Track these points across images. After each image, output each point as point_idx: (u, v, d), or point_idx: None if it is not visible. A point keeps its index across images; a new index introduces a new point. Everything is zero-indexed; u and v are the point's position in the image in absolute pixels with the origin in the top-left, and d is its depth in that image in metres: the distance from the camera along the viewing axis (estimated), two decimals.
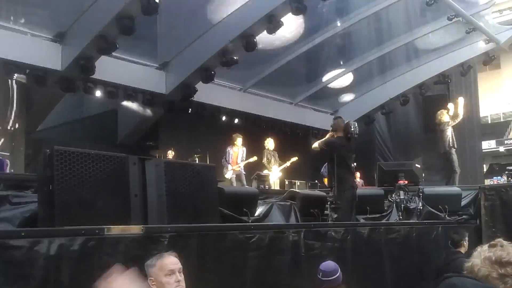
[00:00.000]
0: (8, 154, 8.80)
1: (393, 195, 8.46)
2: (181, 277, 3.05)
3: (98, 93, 11.42)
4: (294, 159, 12.56)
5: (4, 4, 10.12)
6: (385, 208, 8.56)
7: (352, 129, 7.56)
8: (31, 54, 10.21)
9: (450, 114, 11.17)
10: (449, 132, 10.99)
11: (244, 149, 11.98)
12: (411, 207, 8.22)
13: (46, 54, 10.40)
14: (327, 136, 7.96)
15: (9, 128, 10.40)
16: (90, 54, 10.27)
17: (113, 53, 10.74)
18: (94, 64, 10.36)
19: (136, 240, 3.72)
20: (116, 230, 3.66)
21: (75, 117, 14.11)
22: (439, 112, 11.31)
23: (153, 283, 3.03)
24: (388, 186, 8.82)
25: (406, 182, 8.40)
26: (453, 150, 10.91)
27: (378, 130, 18.16)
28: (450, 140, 10.92)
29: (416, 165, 9.95)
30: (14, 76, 10.17)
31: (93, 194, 4.03)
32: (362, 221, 7.56)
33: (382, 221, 7.96)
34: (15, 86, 10.68)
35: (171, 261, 3.08)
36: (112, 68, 11.33)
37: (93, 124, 13.92)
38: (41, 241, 3.22)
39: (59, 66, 10.43)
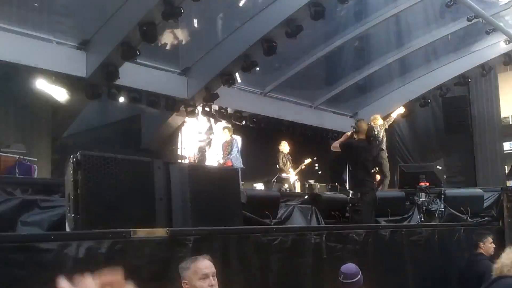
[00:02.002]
0: (36, 159, 9.00)
1: (414, 197, 8.41)
2: (214, 281, 3.06)
3: (121, 99, 11.61)
4: (308, 161, 12.57)
5: (30, 13, 10.40)
6: (406, 211, 8.53)
7: (376, 132, 7.55)
8: (56, 62, 10.45)
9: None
10: (381, 135, 10.91)
11: (236, 138, 11.39)
12: (433, 209, 8.17)
13: (71, 62, 10.63)
14: (344, 137, 7.92)
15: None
16: (114, 61, 10.47)
17: (136, 59, 10.94)
18: (118, 70, 10.56)
19: (161, 243, 3.77)
20: (142, 233, 3.71)
21: (99, 123, 14.36)
22: (372, 117, 11.17)
23: (186, 285, 3.06)
24: (409, 188, 8.78)
25: (428, 184, 8.35)
26: (384, 154, 10.81)
27: (398, 133, 18.05)
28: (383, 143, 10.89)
29: (438, 166, 9.89)
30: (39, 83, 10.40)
31: (119, 197, 4.10)
32: (383, 223, 7.55)
33: (403, 224, 7.93)
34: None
35: (205, 265, 3.09)
36: (135, 74, 11.52)
37: (117, 129, 14.13)
38: (70, 244, 3.27)
39: (84, 73, 10.65)
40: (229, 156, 10.90)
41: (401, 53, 15.11)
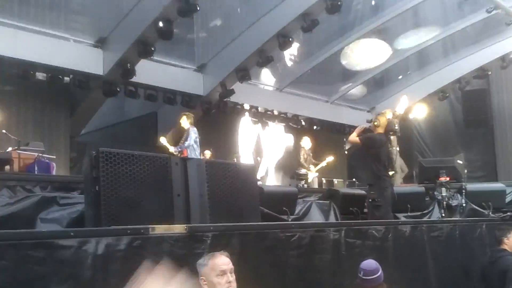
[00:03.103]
0: (54, 157, 9.12)
1: (434, 193, 8.30)
2: (232, 277, 3.05)
3: (138, 96, 11.68)
4: (330, 158, 12.49)
5: (48, 12, 10.51)
6: (427, 206, 8.42)
7: (396, 127, 7.45)
8: (74, 60, 10.58)
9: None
10: None
11: (192, 129, 9.83)
12: (454, 205, 8.06)
13: (88, 59, 10.76)
14: (357, 130, 7.77)
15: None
16: (131, 58, 10.56)
17: (152, 56, 10.99)
18: (134, 68, 10.63)
19: (179, 239, 3.76)
20: (160, 229, 3.69)
21: (116, 120, 14.49)
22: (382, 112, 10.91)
23: (204, 282, 3.05)
24: (429, 183, 8.66)
25: (448, 178, 8.23)
26: (394, 150, 10.62)
27: (416, 127, 17.88)
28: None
29: (458, 161, 9.74)
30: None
31: (137, 194, 4.11)
32: (403, 219, 7.46)
33: (423, 219, 7.84)
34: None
35: (223, 261, 3.08)
36: (151, 71, 11.60)
37: (134, 126, 14.25)
38: (89, 240, 3.28)
39: (101, 71, 10.77)
40: (183, 145, 9.71)
41: (418, 46, 14.93)
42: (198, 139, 9.78)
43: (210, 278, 3.03)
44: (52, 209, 5.23)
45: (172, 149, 9.78)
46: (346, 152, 16.87)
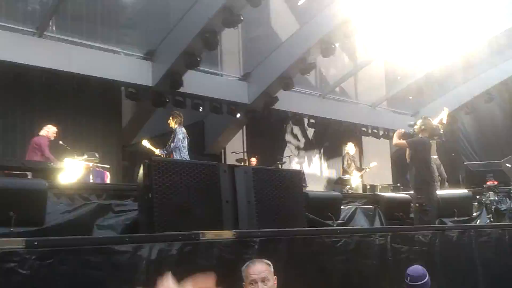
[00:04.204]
0: (108, 166, 9.48)
1: (482, 197, 8.13)
2: (266, 286, 3.08)
3: (185, 106, 11.97)
4: (374, 164, 12.39)
5: (100, 27, 11.00)
6: (474, 211, 8.26)
7: (441, 132, 7.36)
8: (124, 72, 10.98)
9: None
10: None
11: (179, 130, 9.14)
12: (502, 209, 7.87)
13: (138, 72, 11.13)
14: (398, 134, 7.71)
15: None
16: (178, 69, 10.86)
17: (199, 67, 11.28)
18: (182, 78, 10.93)
19: (228, 245, 3.85)
20: (210, 235, 3.79)
21: (165, 130, 14.83)
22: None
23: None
24: (476, 188, 8.49)
25: (496, 182, 8.05)
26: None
27: (462, 130, 17.44)
28: None
29: (507, 164, 9.48)
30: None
31: (188, 201, 4.26)
32: (449, 224, 7.35)
33: (471, 224, 7.69)
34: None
35: (255, 270, 3.12)
36: (198, 81, 11.86)
37: None
38: (143, 246, 3.39)
39: (150, 82, 11.13)
40: (169, 147, 9.05)
41: (463, 47, 14.63)
42: (186, 140, 9.13)
43: (246, 285, 3.12)
44: (108, 216, 5.48)
45: (158, 151, 9.32)
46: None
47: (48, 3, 10.06)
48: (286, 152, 13.21)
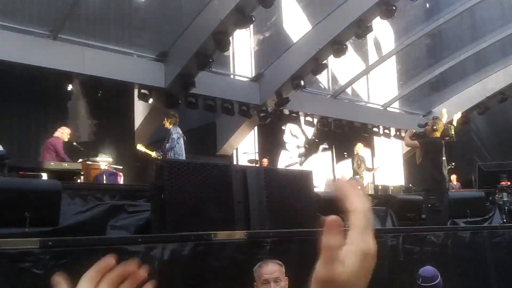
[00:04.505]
0: (121, 167, 9.58)
1: (495, 197, 8.07)
2: (278, 286, 3.09)
3: (197, 107, 12.03)
4: (382, 164, 12.38)
5: (113, 29, 11.10)
6: (487, 211, 8.20)
7: (453, 133, 7.33)
8: (137, 74, 11.07)
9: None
10: None
11: (173, 130, 8.99)
12: None
13: (150, 73, 11.21)
14: (409, 133, 7.68)
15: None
16: (190, 71, 10.92)
17: (211, 68, 11.33)
18: (194, 79, 10.99)
19: (240, 245, 3.90)
20: (222, 235, 3.84)
21: None
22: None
23: None
24: (489, 188, 8.43)
25: (509, 183, 7.98)
26: None
27: (474, 130, 17.31)
28: None
29: None
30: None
31: (200, 201, 4.31)
32: (462, 225, 7.32)
33: (484, 225, 7.65)
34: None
35: (267, 270, 3.12)
36: (210, 82, 11.92)
37: (194, 136, 14.60)
38: (156, 246, 3.45)
39: (162, 83, 11.20)
40: (165, 148, 8.99)
41: (475, 48, 14.53)
42: (181, 139, 9.00)
43: (258, 285, 3.12)
44: (121, 217, 5.53)
45: (154, 154, 9.30)
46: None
47: (62, 6, 10.17)
48: (297, 153, 13.21)
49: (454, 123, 9.32)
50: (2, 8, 10.04)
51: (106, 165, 8.81)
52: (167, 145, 8.95)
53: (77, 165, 8.22)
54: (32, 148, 9.84)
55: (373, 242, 0.74)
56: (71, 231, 4.95)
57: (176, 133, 8.97)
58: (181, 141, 9.01)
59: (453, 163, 12.21)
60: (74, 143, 9.02)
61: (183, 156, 8.97)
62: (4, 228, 4.42)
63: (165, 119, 9.19)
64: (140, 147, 9.51)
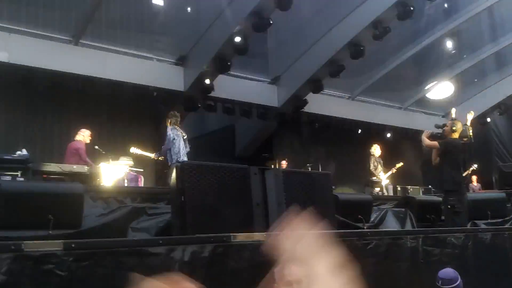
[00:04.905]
0: (142, 170, 9.69)
1: None
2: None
3: (216, 110, 12.12)
4: (399, 165, 12.26)
5: (133, 34, 11.25)
6: (508, 212, 8.10)
7: (471, 134, 7.27)
8: (157, 78, 11.20)
9: None
10: None
11: (170, 131, 8.88)
12: None
13: (170, 77, 11.35)
14: (426, 134, 7.62)
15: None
16: (209, 74, 11.01)
17: (229, 71, 11.41)
18: (213, 83, 11.08)
19: (259, 247, 3.94)
20: (241, 237, 3.85)
21: (196, 134, 15.06)
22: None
23: None
24: (510, 189, 8.34)
25: None
26: None
27: (494, 131, 17.06)
28: None
29: None
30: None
31: (220, 203, 4.35)
32: (482, 226, 7.25)
33: (505, 226, 7.55)
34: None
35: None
36: (228, 86, 11.99)
37: (213, 139, 14.74)
38: (176, 248, 3.46)
39: (182, 87, 11.31)
40: (162, 149, 8.99)
41: (495, 47, 14.34)
42: (180, 139, 8.78)
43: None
44: (142, 219, 5.62)
45: (153, 155, 9.24)
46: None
47: (84, 12, 10.36)
48: (316, 155, 13.18)
49: (468, 123, 9.23)
50: (25, 15, 10.27)
51: (127, 168, 8.92)
52: (163, 146, 8.93)
53: (99, 168, 8.33)
54: (55, 152, 10.01)
55: (336, 255, 0.78)
56: (93, 233, 5.03)
57: (173, 133, 8.76)
58: (179, 141, 8.80)
59: (475, 165, 12.09)
60: (96, 147, 9.15)
61: (182, 157, 8.79)
62: (29, 231, 4.51)
63: (167, 119, 9.14)
64: (134, 149, 9.27)
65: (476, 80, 16.06)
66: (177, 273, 0.88)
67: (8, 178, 6.55)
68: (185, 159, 8.61)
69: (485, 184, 12.84)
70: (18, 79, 9.81)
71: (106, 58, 10.66)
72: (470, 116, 9.52)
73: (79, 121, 10.22)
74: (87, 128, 9.17)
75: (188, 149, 9.03)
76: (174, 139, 8.79)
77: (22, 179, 6.36)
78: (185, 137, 9.03)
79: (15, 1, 10.20)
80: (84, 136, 8.95)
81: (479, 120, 15.87)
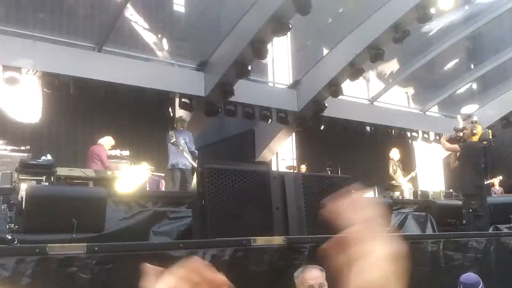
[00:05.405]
0: (163, 174, 9.79)
1: None
2: None
3: (236, 115, 12.19)
4: (417, 169, 12.18)
5: (153, 41, 11.41)
6: None
7: (491, 137, 7.20)
8: (178, 83, 11.32)
9: None
10: None
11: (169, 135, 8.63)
12: None
13: (191, 82, 11.44)
14: (445, 138, 7.56)
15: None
16: (229, 79, 11.09)
17: (249, 76, 11.47)
18: (233, 87, 11.15)
19: (279, 251, 3.94)
20: (261, 241, 3.91)
21: (217, 139, 15.17)
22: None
23: None
24: None
25: None
26: None
27: None
28: None
29: None
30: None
31: (240, 207, 4.39)
32: (505, 230, 7.15)
33: None
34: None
35: (311, 275, 3.18)
36: (248, 90, 12.05)
37: (233, 144, 14.82)
38: (197, 252, 3.53)
39: (202, 92, 11.41)
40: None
41: None
42: (181, 143, 8.59)
43: None
44: (163, 223, 5.71)
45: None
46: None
47: (106, 19, 10.55)
48: (333, 159, 13.15)
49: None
50: (49, 23, 10.51)
51: (149, 172, 9.02)
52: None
53: (121, 172, 8.45)
54: (79, 157, 10.19)
55: (398, 244, 0.79)
56: (116, 236, 5.14)
57: (171, 136, 8.24)
58: (179, 145, 8.34)
59: (501, 177, 11.93)
60: (118, 152, 9.28)
61: (178, 160, 9.32)
62: (53, 234, 4.62)
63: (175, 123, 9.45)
64: (124, 153, 9.30)
65: (497, 82, 15.81)
66: (197, 259, 0.86)
67: (33, 183, 6.69)
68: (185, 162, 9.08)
69: (507, 187, 12.64)
70: (43, 85, 10.04)
71: (128, 64, 10.81)
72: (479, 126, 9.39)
73: (102, 126, 10.40)
74: (109, 134, 9.32)
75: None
76: (173, 142, 8.31)
77: (46, 183, 6.49)
78: (186, 139, 9.35)
79: (40, 10, 10.44)
80: (105, 143, 9.13)
81: (500, 123, 15.65)
